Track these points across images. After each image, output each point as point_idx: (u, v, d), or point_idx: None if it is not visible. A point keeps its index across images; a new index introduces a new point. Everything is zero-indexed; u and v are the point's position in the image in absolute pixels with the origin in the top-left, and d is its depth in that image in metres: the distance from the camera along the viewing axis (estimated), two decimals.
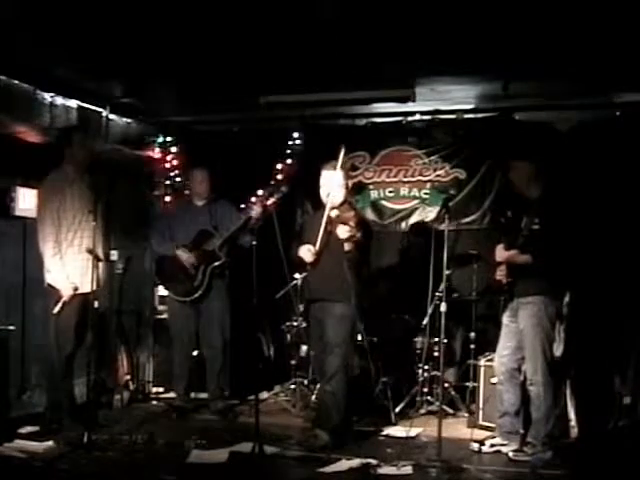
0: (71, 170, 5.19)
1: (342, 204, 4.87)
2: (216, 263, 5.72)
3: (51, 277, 5.07)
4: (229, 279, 5.89)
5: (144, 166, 6.99)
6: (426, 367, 5.79)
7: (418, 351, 5.93)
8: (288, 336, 6.29)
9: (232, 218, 5.69)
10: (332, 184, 4.88)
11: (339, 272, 4.68)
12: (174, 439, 4.91)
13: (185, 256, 5.72)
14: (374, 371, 5.63)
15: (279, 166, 5.11)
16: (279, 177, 5.16)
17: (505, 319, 4.86)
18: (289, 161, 5.07)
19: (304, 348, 6.01)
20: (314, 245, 4.85)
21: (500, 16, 4.21)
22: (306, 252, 4.88)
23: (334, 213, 4.76)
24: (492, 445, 4.80)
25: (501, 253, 4.81)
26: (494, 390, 5.06)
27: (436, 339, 5.65)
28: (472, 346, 5.80)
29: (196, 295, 5.72)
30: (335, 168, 4.90)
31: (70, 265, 5.09)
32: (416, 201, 6.78)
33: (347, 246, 4.70)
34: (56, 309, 5.04)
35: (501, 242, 4.87)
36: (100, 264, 5.00)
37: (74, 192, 5.15)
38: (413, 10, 4.18)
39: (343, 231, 4.69)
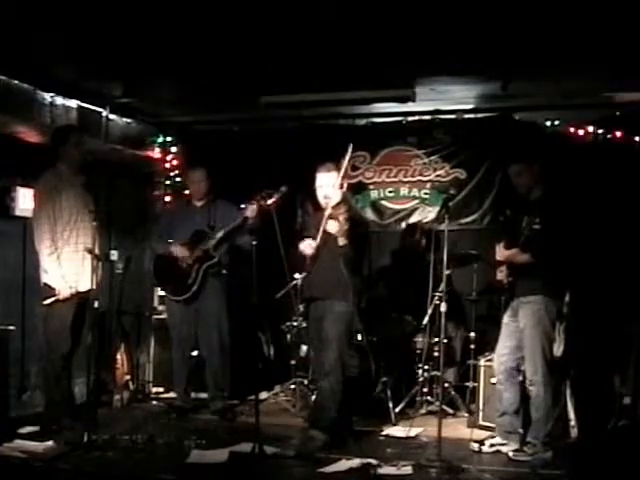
0: (65, 169, 5.19)
1: (338, 204, 4.87)
2: (210, 262, 5.72)
3: (48, 277, 5.08)
4: (227, 279, 5.89)
5: (144, 166, 7.00)
6: (426, 367, 5.78)
7: (418, 351, 5.93)
8: (288, 336, 6.29)
9: (231, 218, 5.69)
10: (328, 185, 4.89)
11: (336, 271, 4.70)
12: (174, 439, 4.91)
13: (179, 250, 5.73)
14: (374, 371, 5.63)
15: (270, 201, 5.15)
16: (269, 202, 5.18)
17: (505, 318, 4.86)
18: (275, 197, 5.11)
19: (304, 348, 6.01)
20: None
21: (500, 16, 4.21)
22: (307, 245, 4.90)
23: (328, 212, 4.78)
24: (492, 445, 4.80)
25: (501, 252, 4.82)
26: (494, 390, 5.06)
27: (436, 339, 5.65)
28: (472, 346, 5.81)
29: (189, 294, 5.72)
30: (330, 170, 4.92)
31: (66, 264, 5.09)
32: (416, 201, 6.79)
33: (340, 241, 4.71)
34: (47, 301, 5.04)
35: (501, 241, 4.87)
36: (99, 264, 4.99)
37: (69, 191, 5.15)
38: (413, 10, 4.18)
39: (332, 225, 4.72)
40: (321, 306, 4.94)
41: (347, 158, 4.84)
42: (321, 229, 4.79)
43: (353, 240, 4.76)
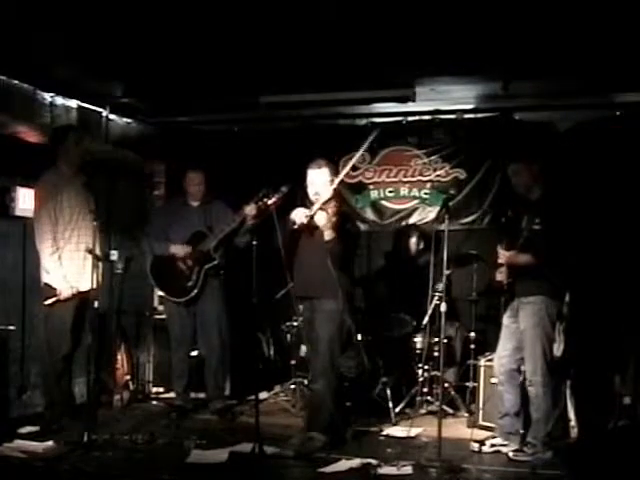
0: (66, 169, 5.19)
1: (329, 200, 4.87)
2: (210, 264, 5.72)
3: (49, 277, 5.08)
4: (226, 279, 5.89)
5: (144, 166, 7.01)
6: (426, 367, 5.78)
7: (418, 351, 5.93)
8: (288, 336, 6.30)
9: (227, 219, 5.69)
10: (319, 182, 4.89)
11: (323, 268, 4.67)
12: (174, 439, 4.92)
13: (178, 249, 5.72)
14: (371, 371, 5.62)
15: (271, 201, 5.12)
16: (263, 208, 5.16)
17: (505, 319, 4.86)
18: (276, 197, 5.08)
19: (304, 348, 6.00)
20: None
21: (500, 16, 4.22)
22: (299, 213, 4.79)
23: (317, 207, 4.78)
24: (492, 445, 4.80)
25: (502, 254, 4.81)
26: (494, 390, 5.06)
27: (436, 339, 5.65)
28: (472, 346, 5.81)
29: (190, 296, 5.72)
30: (320, 166, 4.91)
31: (67, 264, 5.09)
32: (416, 201, 6.80)
33: (327, 235, 4.70)
34: (48, 302, 5.05)
35: (502, 242, 4.87)
36: (99, 264, 4.99)
37: (70, 191, 5.16)
38: (413, 10, 4.18)
39: (320, 216, 4.71)
40: (311, 305, 4.94)
41: (350, 164, 4.88)
42: (310, 212, 4.75)
43: (342, 236, 4.74)
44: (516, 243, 4.68)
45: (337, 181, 4.93)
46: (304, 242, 4.90)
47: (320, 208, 4.74)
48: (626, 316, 5.44)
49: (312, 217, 4.75)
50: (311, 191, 4.92)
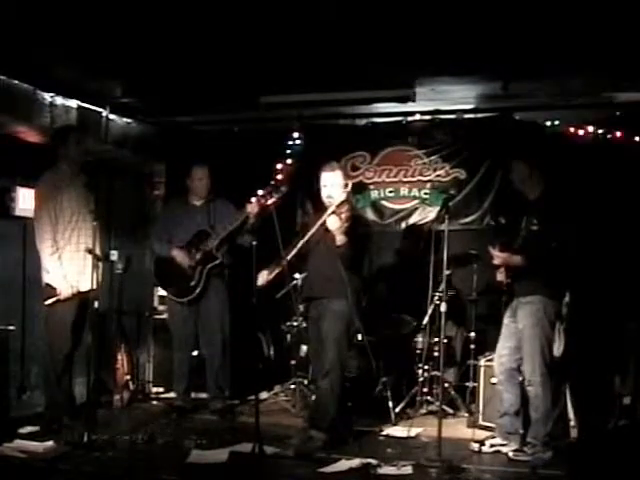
0: (66, 169, 5.19)
1: (342, 203, 4.88)
2: (213, 263, 5.72)
3: (49, 277, 5.08)
4: (228, 279, 5.89)
5: (144, 166, 7.01)
6: (426, 367, 5.79)
7: (418, 351, 5.94)
8: (288, 336, 6.30)
9: (230, 217, 5.68)
10: (332, 185, 4.90)
11: (333, 269, 4.69)
12: (174, 439, 4.92)
13: (181, 256, 5.72)
14: (374, 371, 5.63)
15: (279, 166, 5.13)
16: (279, 177, 5.17)
17: (505, 319, 4.86)
18: (289, 161, 5.08)
19: (304, 348, 6.01)
20: (298, 242, 4.90)
21: (500, 16, 4.22)
22: (260, 276, 4.97)
23: (331, 210, 4.79)
24: (492, 445, 4.80)
25: (496, 255, 4.81)
26: (494, 390, 5.06)
27: (436, 339, 5.65)
28: (472, 346, 5.81)
29: (193, 295, 5.72)
30: (334, 169, 4.94)
31: (68, 264, 5.10)
32: (416, 201, 6.80)
33: (338, 240, 4.70)
34: (49, 302, 5.05)
35: (494, 244, 4.87)
36: (99, 264, 4.99)
37: (70, 191, 5.16)
38: (413, 10, 4.18)
39: (333, 221, 4.72)
40: (319, 305, 4.94)
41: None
42: (317, 224, 4.78)
43: (354, 239, 4.75)
44: (514, 244, 4.68)
45: (351, 185, 4.95)
46: (315, 245, 4.90)
47: (333, 212, 4.74)
48: (626, 316, 5.44)
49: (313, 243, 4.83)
50: (324, 194, 4.93)
